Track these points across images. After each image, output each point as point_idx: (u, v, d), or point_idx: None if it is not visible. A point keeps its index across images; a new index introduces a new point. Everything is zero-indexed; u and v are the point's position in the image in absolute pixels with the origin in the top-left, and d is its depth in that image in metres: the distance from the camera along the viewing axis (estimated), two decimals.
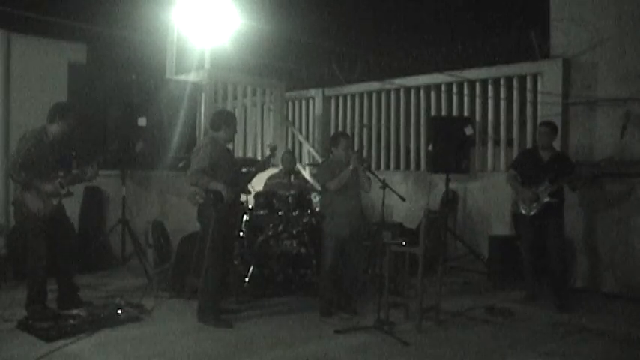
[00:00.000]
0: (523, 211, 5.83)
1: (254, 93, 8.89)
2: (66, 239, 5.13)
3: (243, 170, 5.37)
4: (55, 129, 4.95)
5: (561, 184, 5.70)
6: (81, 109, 5.28)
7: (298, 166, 8.63)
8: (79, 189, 6.34)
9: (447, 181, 7.38)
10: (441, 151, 7.25)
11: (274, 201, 6.18)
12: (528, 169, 5.94)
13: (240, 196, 5.20)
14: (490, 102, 7.89)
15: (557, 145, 6.38)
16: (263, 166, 5.38)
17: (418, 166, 8.61)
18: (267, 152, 5.47)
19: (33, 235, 4.85)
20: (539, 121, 6.81)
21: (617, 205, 6.36)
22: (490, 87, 7.86)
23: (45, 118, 5.02)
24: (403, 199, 5.21)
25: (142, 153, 6.13)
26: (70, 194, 5.02)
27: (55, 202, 4.88)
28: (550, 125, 5.98)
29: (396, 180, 8.15)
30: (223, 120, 5.08)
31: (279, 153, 7.60)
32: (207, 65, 8.50)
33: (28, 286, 4.91)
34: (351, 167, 5.10)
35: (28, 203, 4.77)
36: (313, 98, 10.05)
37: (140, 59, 9.76)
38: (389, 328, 4.74)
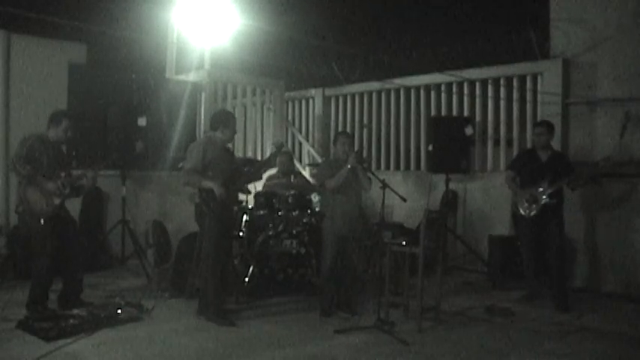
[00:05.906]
0: (522, 212, 5.83)
1: (254, 93, 8.89)
2: (74, 240, 5.12)
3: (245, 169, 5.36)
4: (51, 134, 4.98)
5: (560, 184, 5.69)
6: (79, 112, 5.27)
7: (298, 166, 8.63)
8: None
9: (447, 181, 7.37)
10: (440, 151, 7.24)
11: (274, 201, 6.18)
12: (527, 169, 5.92)
13: (237, 195, 5.18)
14: (490, 102, 7.88)
15: (556, 145, 6.38)
16: (267, 164, 5.37)
17: (418, 166, 8.60)
18: (273, 149, 5.41)
19: (38, 236, 4.83)
20: (539, 120, 6.80)
21: (617, 205, 6.36)
22: (490, 87, 7.85)
23: (44, 118, 5.05)
24: (404, 200, 5.20)
25: (142, 153, 6.14)
26: (71, 195, 5.01)
27: (57, 201, 4.87)
28: (545, 125, 5.95)
29: (396, 180, 8.15)
30: (222, 120, 5.10)
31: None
32: (207, 65, 8.50)
33: (32, 286, 4.90)
34: (348, 166, 5.09)
35: (30, 200, 4.74)
36: (313, 98, 10.04)
37: (140, 59, 9.77)
38: (389, 328, 4.74)
